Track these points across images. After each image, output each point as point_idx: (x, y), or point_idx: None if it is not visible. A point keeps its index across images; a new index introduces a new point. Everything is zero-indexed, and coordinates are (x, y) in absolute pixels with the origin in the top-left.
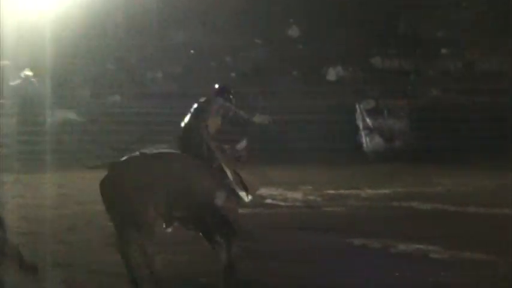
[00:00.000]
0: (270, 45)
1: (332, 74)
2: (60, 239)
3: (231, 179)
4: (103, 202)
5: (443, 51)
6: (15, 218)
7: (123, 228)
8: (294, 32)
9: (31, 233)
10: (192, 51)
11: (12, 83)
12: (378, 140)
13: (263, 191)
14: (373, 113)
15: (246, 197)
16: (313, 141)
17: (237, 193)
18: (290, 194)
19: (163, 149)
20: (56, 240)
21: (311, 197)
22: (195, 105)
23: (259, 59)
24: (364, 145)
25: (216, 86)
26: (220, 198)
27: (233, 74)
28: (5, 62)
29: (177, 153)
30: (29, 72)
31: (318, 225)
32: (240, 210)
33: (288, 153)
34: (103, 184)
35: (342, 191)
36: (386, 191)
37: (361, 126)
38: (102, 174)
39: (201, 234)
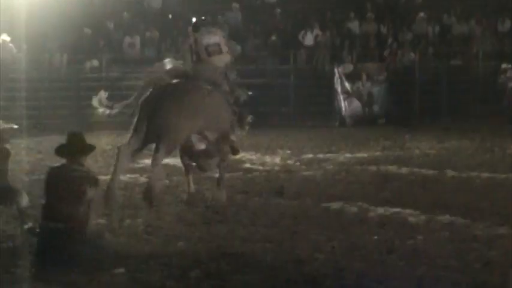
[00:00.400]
0: (248, 9)
1: (309, 39)
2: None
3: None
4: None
5: (421, 15)
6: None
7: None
8: None
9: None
10: (169, 15)
11: None
12: (356, 104)
13: (241, 155)
14: (351, 77)
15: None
16: (291, 106)
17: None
18: (268, 158)
19: None
20: (36, 205)
21: (289, 162)
22: None
23: (237, 24)
24: (343, 109)
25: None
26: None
27: None
28: None
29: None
30: (6, 37)
31: (296, 189)
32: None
33: (267, 117)
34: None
35: (320, 156)
36: (364, 155)
37: (339, 90)
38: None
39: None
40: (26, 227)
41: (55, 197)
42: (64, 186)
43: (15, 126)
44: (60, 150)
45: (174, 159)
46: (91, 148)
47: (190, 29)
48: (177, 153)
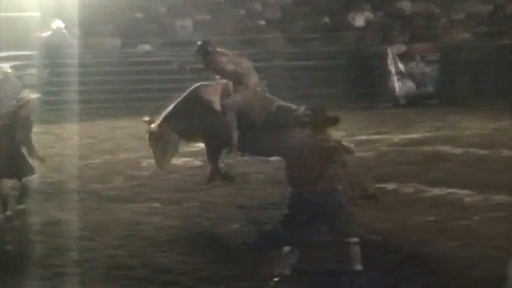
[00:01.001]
0: None
1: (360, 20)
2: (90, 189)
3: None
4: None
5: None
6: (44, 168)
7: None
8: None
9: (60, 182)
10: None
11: (43, 35)
12: (409, 84)
13: None
14: (404, 57)
15: None
16: (344, 87)
17: None
18: None
19: None
20: (86, 190)
21: (343, 143)
22: None
23: (288, 6)
24: (397, 90)
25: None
26: None
27: (262, 22)
28: (35, 14)
29: None
30: (60, 24)
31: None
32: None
33: (320, 99)
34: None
35: (373, 136)
36: (418, 135)
37: (393, 71)
38: (131, 125)
39: None
40: (21, 207)
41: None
42: (315, 155)
43: (38, 96)
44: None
45: None
46: (335, 120)
47: None
48: None
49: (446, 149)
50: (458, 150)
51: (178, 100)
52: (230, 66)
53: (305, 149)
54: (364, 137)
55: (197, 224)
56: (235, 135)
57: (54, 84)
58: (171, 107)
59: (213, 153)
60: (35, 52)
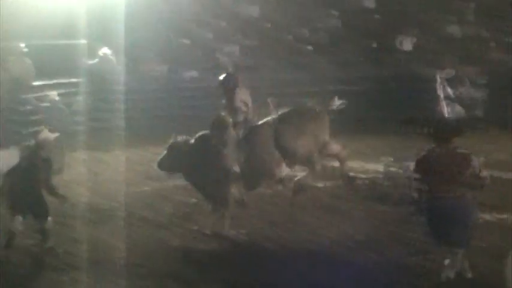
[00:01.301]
0: (346, 16)
1: (408, 44)
2: (139, 216)
3: None
4: None
5: None
6: (91, 195)
7: None
8: (370, 2)
9: (107, 209)
10: (268, 24)
11: (90, 62)
12: (458, 109)
13: None
14: (453, 82)
15: None
16: (392, 111)
17: None
18: (370, 166)
19: None
20: (135, 218)
21: (392, 169)
22: None
23: (335, 31)
24: (446, 114)
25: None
26: None
27: (309, 47)
28: (81, 41)
29: None
30: (107, 51)
31: (400, 197)
32: (321, 184)
33: (367, 124)
34: None
35: None
36: None
37: (441, 95)
38: None
39: None
40: (46, 246)
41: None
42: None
43: (56, 135)
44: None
45: None
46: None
47: None
48: None
49: (497, 173)
50: (510, 175)
51: None
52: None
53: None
54: (413, 162)
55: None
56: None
57: (101, 111)
58: None
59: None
60: (82, 79)
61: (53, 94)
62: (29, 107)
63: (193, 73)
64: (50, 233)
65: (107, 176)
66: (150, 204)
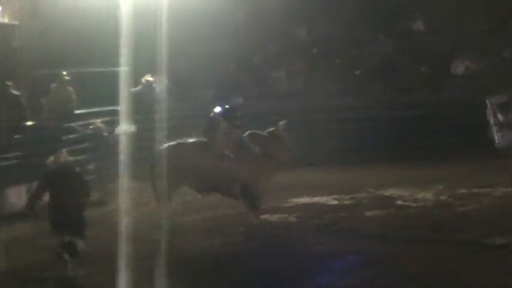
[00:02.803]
0: (396, 39)
1: (460, 68)
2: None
3: None
4: None
5: None
6: (145, 225)
7: None
8: (419, 25)
9: (161, 242)
10: (315, 50)
11: (133, 89)
12: (510, 135)
13: (392, 191)
14: (504, 108)
15: None
16: (442, 137)
17: None
18: (421, 194)
19: None
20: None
21: (443, 197)
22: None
23: (385, 55)
24: (496, 141)
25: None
26: None
27: (357, 72)
28: (125, 68)
29: None
30: (150, 78)
31: (451, 225)
32: (370, 213)
33: (417, 150)
34: None
35: (474, 190)
36: None
37: (492, 121)
38: None
39: None
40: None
41: None
42: None
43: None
44: None
45: None
46: None
47: None
48: None
49: None
50: None
51: None
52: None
53: None
54: (464, 191)
55: None
56: None
57: (146, 140)
58: None
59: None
60: (125, 107)
61: (98, 122)
62: (71, 136)
63: (239, 99)
64: (75, 253)
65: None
66: (199, 235)
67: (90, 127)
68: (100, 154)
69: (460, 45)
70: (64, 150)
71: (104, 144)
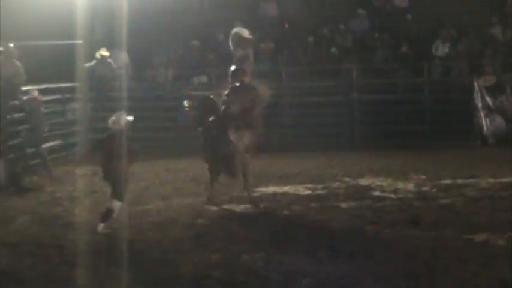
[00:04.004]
0: (374, 16)
1: (444, 48)
2: (146, 237)
3: None
4: None
5: None
6: (94, 215)
7: None
8: (402, 1)
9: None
10: (286, 25)
11: (86, 65)
12: (499, 121)
13: (369, 181)
14: (493, 90)
15: None
16: (425, 124)
17: None
18: (401, 185)
19: None
20: (142, 238)
21: (425, 188)
22: None
23: (363, 33)
24: (484, 127)
25: None
26: None
27: (333, 49)
28: (78, 42)
29: None
30: (105, 52)
31: (434, 219)
32: (345, 204)
33: (398, 137)
34: None
35: (459, 181)
36: (510, 179)
37: (479, 105)
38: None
39: None
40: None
41: None
42: None
43: None
44: None
45: None
46: None
47: None
48: None
49: None
50: None
51: None
52: None
53: None
54: (448, 181)
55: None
56: None
57: (100, 121)
58: None
59: None
60: (77, 84)
61: (34, 90)
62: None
63: (203, 78)
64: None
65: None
66: (156, 225)
67: (25, 97)
68: (33, 125)
69: (443, 23)
70: (123, 112)
71: (37, 115)
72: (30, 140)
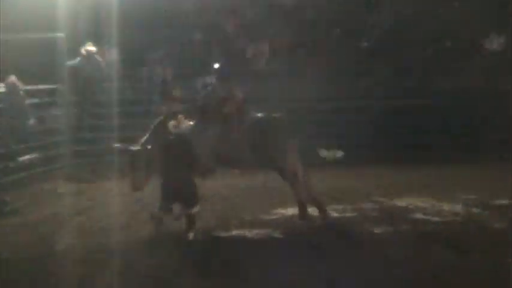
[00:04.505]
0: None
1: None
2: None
3: None
4: None
5: None
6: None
7: None
8: None
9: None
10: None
11: (69, 63)
12: None
13: (410, 201)
14: None
15: None
16: (467, 135)
17: None
18: (446, 206)
19: None
20: None
21: (474, 210)
22: None
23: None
24: None
25: None
26: None
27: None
28: (59, 35)
29: None
30: (91, 48)
31: (484, 245)
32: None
33: (440, 150)
34: None
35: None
36: None
37: None
38: None
39: None
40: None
41: None
42: None
43: None
44: None
45: None
46: None
47: None
48: None
49: None
50: None
51: None
52: None
53: None
54: (504, 201)
55: None
56: None
57: (87, 129)
58: None
59: None
60: (59, 86)
61: (13, 77)
62: None
63: (208, 79)
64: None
65: (99, 218)
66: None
67: (2, 84)
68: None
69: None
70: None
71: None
72: (14, 130)
